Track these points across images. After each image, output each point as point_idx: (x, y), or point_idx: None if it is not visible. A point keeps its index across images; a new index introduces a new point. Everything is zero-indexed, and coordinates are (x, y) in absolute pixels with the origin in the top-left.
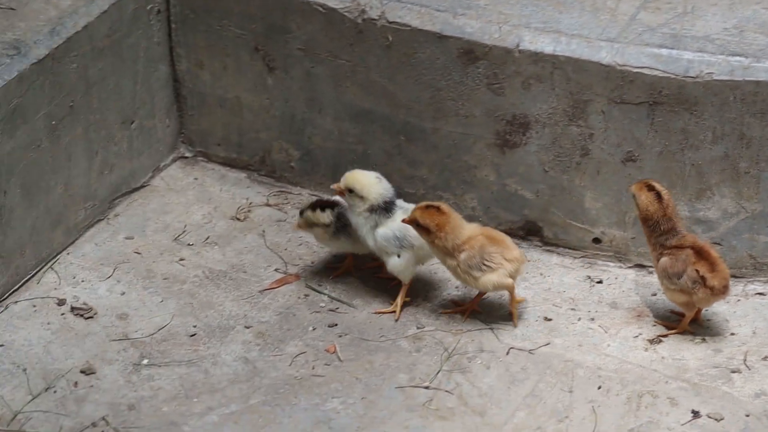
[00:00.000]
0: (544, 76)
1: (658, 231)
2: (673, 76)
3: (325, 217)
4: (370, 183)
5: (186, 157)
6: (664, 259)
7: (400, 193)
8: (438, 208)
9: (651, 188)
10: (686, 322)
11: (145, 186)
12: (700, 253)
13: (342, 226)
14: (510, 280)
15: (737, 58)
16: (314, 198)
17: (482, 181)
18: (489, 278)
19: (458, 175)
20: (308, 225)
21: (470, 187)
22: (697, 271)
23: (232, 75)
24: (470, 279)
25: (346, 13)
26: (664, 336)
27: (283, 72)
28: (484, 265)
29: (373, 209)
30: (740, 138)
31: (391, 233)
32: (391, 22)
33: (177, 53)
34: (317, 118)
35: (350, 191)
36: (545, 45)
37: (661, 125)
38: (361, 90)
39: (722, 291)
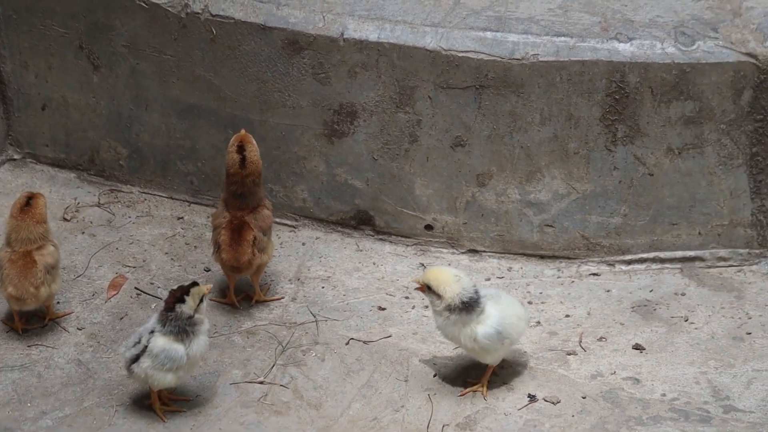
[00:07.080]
0: (370, 64)
1: (231, 189)
2: (498, 59)
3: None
4: (447, 281)
5: (14, 159)
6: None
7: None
8: None
9: (241, 150)
10: None
11: None
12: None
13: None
14: None
15: (562, 38)
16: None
17: (312, 171)
18: None
19: (288, 166)
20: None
21: (300, 178)
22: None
23: (58, 74)
24: None
25: (169, 8)
26: None
27: (108, 70)
28: None
29: (451, 308)
30: (568, 118)
31: (493, 330)
32: (214, 15)
33: (1, 54)
34: (144, 115)
35: (428, 288)
36: (370, 32)
37: (489, 109)
38: (187, 85)
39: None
